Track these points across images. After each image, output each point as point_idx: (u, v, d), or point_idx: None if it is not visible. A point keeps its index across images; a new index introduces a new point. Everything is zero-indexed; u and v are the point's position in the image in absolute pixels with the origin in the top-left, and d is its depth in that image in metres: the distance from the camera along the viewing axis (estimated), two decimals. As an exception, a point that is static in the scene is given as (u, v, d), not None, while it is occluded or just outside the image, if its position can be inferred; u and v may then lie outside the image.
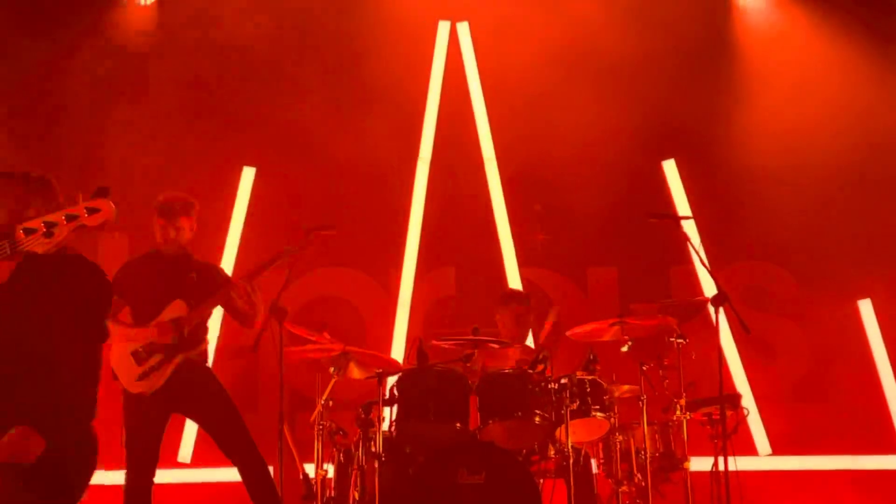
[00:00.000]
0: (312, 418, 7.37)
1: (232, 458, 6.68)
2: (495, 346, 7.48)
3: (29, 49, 9.89)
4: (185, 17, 10.11)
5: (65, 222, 3.92)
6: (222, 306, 6.96)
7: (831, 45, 10.16)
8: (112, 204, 4.01)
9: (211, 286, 6.81)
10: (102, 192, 4.02)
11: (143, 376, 6.62)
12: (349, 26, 10.14)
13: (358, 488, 6.86)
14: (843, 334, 9.91)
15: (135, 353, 6.62)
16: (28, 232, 3.89)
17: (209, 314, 6.92)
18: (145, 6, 10.28)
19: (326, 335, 7.37)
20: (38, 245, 3.90)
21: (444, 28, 10.50)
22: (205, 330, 6.91)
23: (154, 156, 9.77)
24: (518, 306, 8.15)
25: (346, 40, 10.10)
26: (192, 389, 6.69)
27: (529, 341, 8.47)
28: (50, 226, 3.90)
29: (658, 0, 10.16)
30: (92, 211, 3.96)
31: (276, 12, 10.13)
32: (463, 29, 10.49)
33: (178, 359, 6.63)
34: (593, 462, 7.60)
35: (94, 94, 9.95)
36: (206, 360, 6.89)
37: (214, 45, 9.97)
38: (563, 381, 7.07)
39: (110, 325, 6.73)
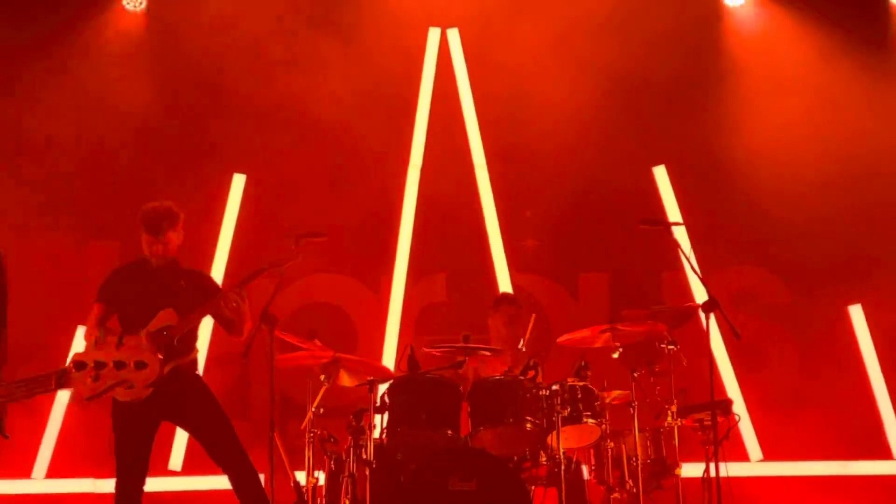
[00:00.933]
0: (303, 426, 7.36)
1: (222, 467, 6.65)
2: (486, 353, 7.48)
3: (18, 53, 9.88)
4: (174, 23, 10.09)
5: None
6: (212, 315, 6.93)
7: (821, 52, 10.19)
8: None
9: (200, 294, 6.78)
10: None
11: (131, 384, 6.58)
12: (339, 33, 10.13)
13: (349, 496, 6.85)
14: (834, 340, 9.94)
15: (123, 362, 6.58)
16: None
17: (199, 323, 6.89)
18: (134, 12, 10.27)
19: (317, 342, 7.36)
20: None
21: (434, 35, 10.50)
22: (194, 338, 6.88)
23: (144, 162, 9.76)
24: (509, 307, 8.14)
25: (336, 47, 10.09)
26: (181, 397, 6.66)
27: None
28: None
29: (648, 7, 10.16)
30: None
31: (265, 19, 10.13)
32: (453, 35, 10.50)
33: (168, 367, 6.60)
34: (584, 468, 7.60)
35: (83, 100, 9.92)
36: (195, 369, 6.86)
37: (204, 52, 9.95)
38: (554, 387, 7.07)
39: (99, 332, 6.73)
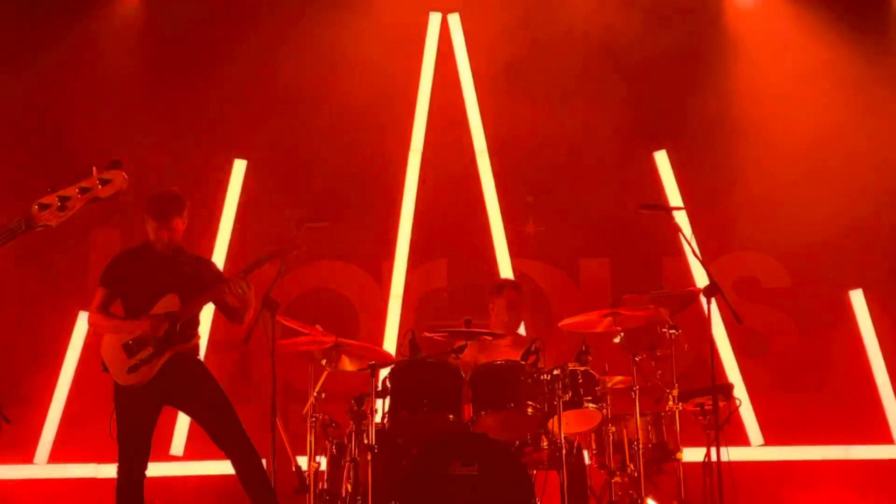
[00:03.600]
0: (305, 411, 7.36)
1: (225, 451, 6.66)
2: (488, 337, 7.48)
3: (22, 48, 9.88)
4: (173, 8, 10.08)
5: (78, 195, 4.04)
6: (213, 302, 6.94)
7: (824, 35, 10.16)
8: (125, 175, 4.11)
9: (204, 280, 6.79)
10: (116, 165, 4.12)
11: (133, 369, 6.59)
12: (340, 17, 10.11)
13: (351, 480, 6.87)
14: (835, 324, 9.93)
15: (125, 346, 6.60)
16: (43, 207, 4.02)
17: (201, 308, 6.90)
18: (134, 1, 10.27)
19: (319, 328, 7.36)
20: (53, 218, 4.03)
21: (434, 19, 10.48)
22: (197, 324, 6.89)
23: (145, 149, 9.75)
24: (511, 291, 8.14)
25: (336, 31, 10.07)
26: (184, 382, 6.67)
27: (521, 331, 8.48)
28: (63, 199, 4.02)
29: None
30: (105, 182, 4.09)
31: (265, 4, 10.12)
32: (454, 20, 10.48)
33: (170, 352, 6.62)
34: (586, 453, 7.61)
35: (84, 88, 9.92)
36: (197, 354, 6.87)
37: (204, 37, 9.96)
38: (555, 372, 7.06)
39: (102, 316, 6.74)
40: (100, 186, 4.07)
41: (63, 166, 9.55)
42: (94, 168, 4.09)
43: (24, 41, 9.92)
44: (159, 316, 6.60)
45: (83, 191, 4.05)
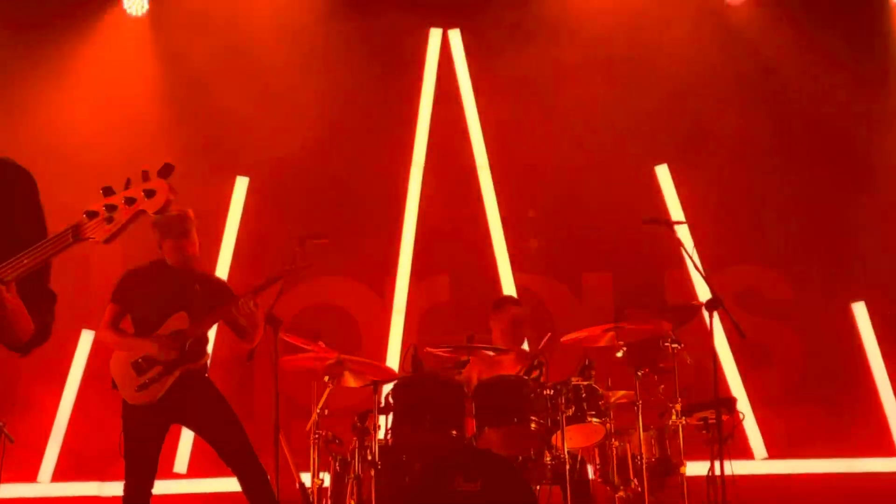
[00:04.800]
0: (308, 427, 7.36)
1: (233, 469, 6.65)
2: (490, 352, 7.48)
3: (22, 58, 9.90)
4: (176, 26, 10.11)
5: (125, 205, 3.62)
6: (223, 321, 6.95)
7: (823, 47, 10.17)
8: (167, 185, 3.66)
9: (214, 299, 6.79)
10: (164, 172, 3.69)
11: (142, 387, 6.60)
12: (341, 34, 10.14)
13: (354, 497, 6.85)
14: (838, 337, 9.93)
15: (135, 364, 6.61)
16: (91, 215, 3.63)
17: (210, 327, 6.91)
18: (137, 17, 10.29)
19: (321, 344, 7.36)
20: (101, 232, 3.64)
21: (435, 35, 10.51)
22: (206, 342, 6.89)
23: (147, 165, 9.75)
24: (513, 307, 8.14)
25: (338, 48, 10.10)
26: (192, 400, 6.67)
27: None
28: (111, 209, 3.63)
29: (650, 5, 10.16)
30: (150, 194, 3.65)
31: (267, 21, 10.14)
32: (454, 36, 10.51)
33: (179, 371, 6.62)
34: (589, 468, 7.60)
35: (86, 104, 9.95)
36: (206, 372, 6.88)
37: (206, 54, 9.97)
38: (558, 386, 7.07)
39: (112, 333, 6.74)
40: (146, 199, 3.65)
41: (63, 183, 9.58)
42: (143, 173, 3.70)
43: (26, 56, 9.94)
44: (168, 337, 6.60)
45: (129, 201, 3.62)
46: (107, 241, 3.68)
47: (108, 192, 3.69)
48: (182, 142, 9.92)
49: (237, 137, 10.04)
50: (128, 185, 3.70)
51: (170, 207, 3.67)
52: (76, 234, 3.65)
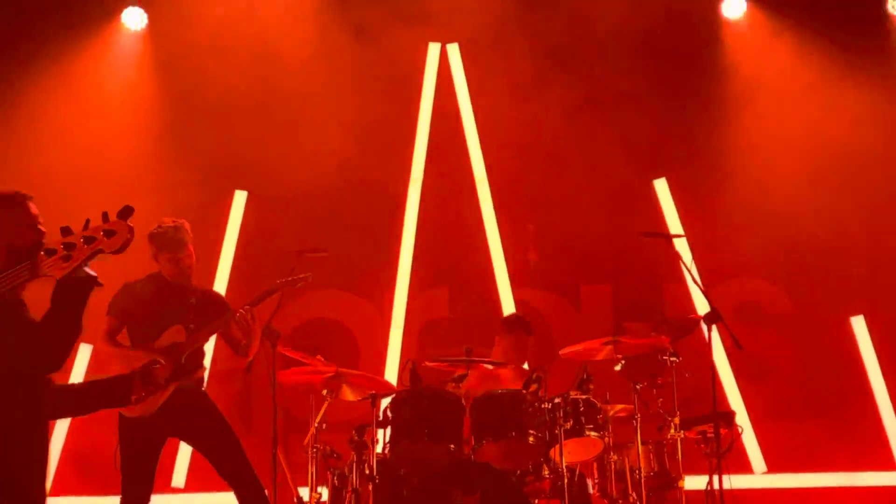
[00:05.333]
0: (306, 441, 7.35)
1: (230, 483, 6.65)
2: (489, 366, 7.48)
3: (22, 72, 9.92)
4: (175, 40, 10.13)
5: (83, 245, 3.82)
6: (220, 334, 6.95)
7: (821, 63, 10.18)
8: (129, 226, 3.87)
9: (210, 312, 6.80)
10: (124, 214, 3.88)
11: (138, 400, 6.57)
12: (339, 50, 10.15)
13: (352, 511, 6.84)
14: (837, 351, 9.92)
15: (132, 377, 6.60)
16: (49, 253, 3.81)
17: (206, 341, 6.91)
18: (136, 32, 10.31)
19: (319, 357, 7.35)
20: (58, 269, 3.82)
21: (434, 50, 10.54)
22: (202, 355, 6.90)
23: (146, 179, 9.78)
24: (523, 334, 8.12)
25: (335, 62, 10.12)
26: (188, 414, 6.67)
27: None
28: (69, 247, 3.81)
29: (648, 22, 10.17)
30: (110, 234, 3.86)
31: (265, 36, 10.16)
32: (453, 51, 10.53)
33: (175, 384, 6.62)
34: (588, 482, 7.59)
35: (86, 118, 9.96)
36: (202, 385, 6.88)
37: (205, 69, 9.99)
38: (556, 400, 7.06)
39: (109, 346, 6.74)
40: (105, 238, 3.83)
41: (61, 195, 9.61)
42: (103, 214, 3.86)
43: (25, 70, 9.96)
44: (162, 350, 6.60)
45: (88, 240, 3.82)
46: (63, 278, 3.86)
47: (66, 231, 3.85)
48: (181, 155, 9.94)
49: (236, 151, 10.04)
50: (86, 225, 3.86)
51: (128, 246, 3.86)
52: (33, 270, 3.82)
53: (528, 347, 8.12)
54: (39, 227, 4.20)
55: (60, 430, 9.45)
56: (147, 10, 10.28)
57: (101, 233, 3.84)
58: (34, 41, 9.98)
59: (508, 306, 9.82)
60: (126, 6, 10.25)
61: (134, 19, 10.28)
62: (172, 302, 6.79)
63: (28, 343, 4.06)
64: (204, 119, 10.07)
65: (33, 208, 4.30)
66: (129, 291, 6.92)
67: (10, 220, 4.22)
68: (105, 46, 10.24)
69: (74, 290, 3.92)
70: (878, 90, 10.13)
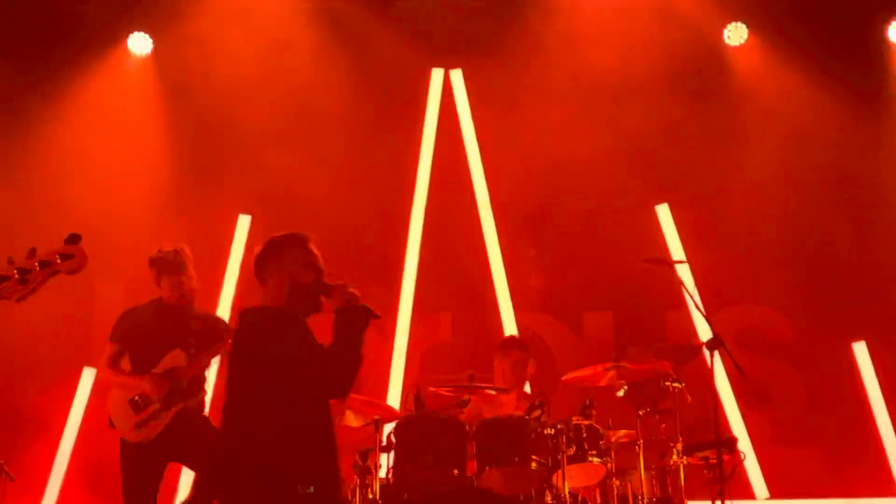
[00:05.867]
0: (309, 466, 7.33)
1: (230, 508, 6.64)
2: (492, 392, 7.48)
3: (28, 97, 9.97)
4: (180, 65, 10.19)
5: (38, 269, 3.95)
6: (221, 358, 6.96)
7: (822, 91, 10.21)
8: (83, 250, 4.05)
9: (212, 336, 6.82)
10: (74, 239, 4.05)
11: (140, 425, 6.61)
12: (343, 74, 10.20)
13: (355, 536, 6.84)
14: (839, 377, 9.93)
15: (132, 402, 6.62)
16: (2, 280, 3.93)
17: (208, 365, 6.92)
18: (142, 57, 10.37)
19: (322, 382, 7.34)
20: (13, 292, 3.94)
21: (437, 75, 10.59)
22: (203, 380, 6.91)
23: (149, 204, 9.81)
24: (516, 351, 8.14)
25: (340, 88, 10.16)
26: (189, 438, 6.67)
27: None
28: (23, 272, 3.94)
29: (652, 48, 10.22)
30: (66, 257, 4.01)
31: (269, 62, 10.21)
32: (456, 76, 10.58)
33: (176, 408, 6.63)
34: (591, 507, 7.59)
35: (91, 141, 10.00)
36: (203, 409, 6.89)
37: (209, 94, 10.04)
38: (559, 426, 7.06)
39: (111, 372, 6.76)
40: (61, 262, 3.99)
41: (68, 219, 9.63)
42: (55, 244, 4.04)
43: (32, 95, 10.01)
44: (161, 375, 6.62)
45: (43, 265, 3.97)
46: (20, 299, 3.98)
47: (10, 261, 3.99)
48: (185, 179, 9.97)
49: (240, 176, 10.08)
50: (31, 254, 4.00)
51: (84, 268, 4.02)
52: None
53: (526, 367, 8.11)
54: None
55: (63, 453, 9.45)
56: (152, 36, 10.35)
57: (57, 256, 4.01)
58: (40, 66, 10.03)
59: (511, 331, 9.83)
60: (131, 31, 10.31)
61: (139, 44, 10.35)
62: (173, 327, 6.80)
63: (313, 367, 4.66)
64: (208, 143, 10.11)
65: None
66: (130, 317, 6.95)
67: None
68: (110, 72, 10.28)
69: (353, 321, 4.04)
70: (882, 119, 10.17)
